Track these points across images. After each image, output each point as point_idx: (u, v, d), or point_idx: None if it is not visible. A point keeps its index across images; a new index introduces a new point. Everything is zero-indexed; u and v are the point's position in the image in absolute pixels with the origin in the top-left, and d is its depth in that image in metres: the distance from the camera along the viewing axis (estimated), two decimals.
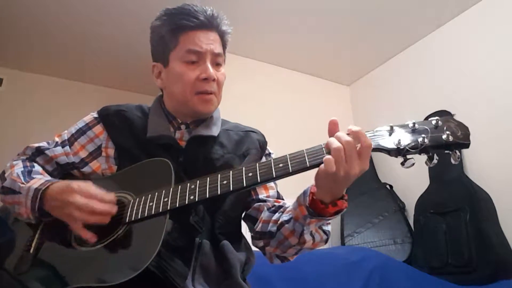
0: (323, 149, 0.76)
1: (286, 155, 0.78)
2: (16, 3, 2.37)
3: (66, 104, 3.11)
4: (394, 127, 0.76)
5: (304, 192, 0.86)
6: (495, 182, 2.13)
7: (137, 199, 0.88)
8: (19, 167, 0.98)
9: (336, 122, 0.78)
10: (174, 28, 1.03)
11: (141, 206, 0.85)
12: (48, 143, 1.08)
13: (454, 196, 2.19)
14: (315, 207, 0.81)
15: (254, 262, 1.03)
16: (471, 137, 0.73)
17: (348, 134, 0.74)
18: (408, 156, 0.74)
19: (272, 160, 0.79)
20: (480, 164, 2.23)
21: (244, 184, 0.79)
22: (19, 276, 0.86)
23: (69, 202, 0.83)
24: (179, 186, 0.84)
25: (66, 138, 1.07)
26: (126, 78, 3.26)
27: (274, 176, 0.77)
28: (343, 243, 2.55)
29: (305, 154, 0.77)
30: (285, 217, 0.93)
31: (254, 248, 1.05)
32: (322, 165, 0.74)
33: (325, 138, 0.77)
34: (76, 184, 0.86)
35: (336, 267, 1.80)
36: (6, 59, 2.96)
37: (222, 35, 1.08)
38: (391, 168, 2.76)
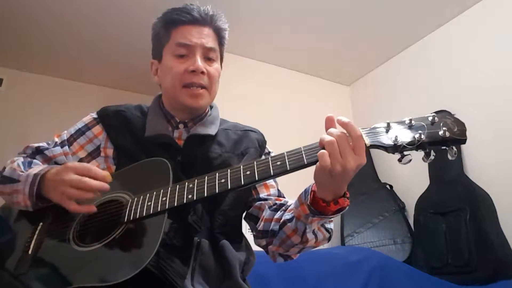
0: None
1: (284, 153, 0.78)
2: (16, 3, 2.37)
3: (66, 104, 3.11)
4: (390, 124, 0.76)
5: (305, 191, 0.86)
6: (495, 182, 2.12)
7: (136, 198, 0.88)
8: (19, 160, 1.00)
9: (332, 118, 0.78)
10: (167, 23, 1.05)
11: (139, 206, 0.85)
12: (47, 143, 1.08)
13: (454, 196, 2.19)
14: (316, 205, 0.81)
15: (254, 262, 1.03)
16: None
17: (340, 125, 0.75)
18: (405, 153, 0.74)
19: (269, 158, 0.79)
20: (480, 164, 2.23)
21: (242, 182, 0.79)
22: (19, 277, 0.86)
23: (63, 180, 0.84)
24: (177, 185, 0.84)
25: (65, 138, 1.08)
26: (126, 78, 3.26)
27: (272, 174, 0.77)
28: (343, 243, 2.55)
29: (303, 152, 0.77)
30: (287, 215, 0.93)
31: (255, 248, 1.05)
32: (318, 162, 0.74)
33: None
34: (72, 163, 0.88)
35: (336, 267, 1.80)
36: (6, 59, 2.96)
37: (217, 31, 1.08)
38: (391, 168, 2.76)
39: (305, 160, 0.76)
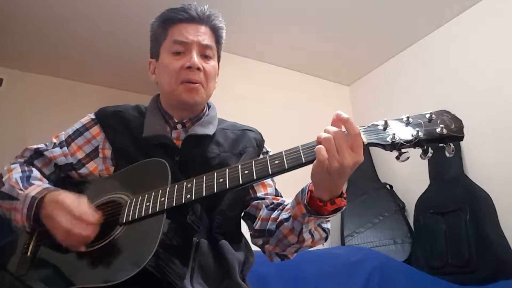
0: None
1: (282, 152, 0.78)
2: (16, 3, 2.37)
3: (66, 104, 3.11)
4: (388, 122, 0.75)
5: (302, 190, 0.85)
6: (495, 182, 2.12)
7: (134, 199, 0.87)
8: (17, 172, 0.98)
9: (340, 117, 0.74)
10: (164, 21, 1.06)
11: (138, 206, 0.85)
12: (45, 144, 1.07)
13: (454, 196, 2.19)
14: (313, 205, 0.81)
15: (253, 262, 1.03)
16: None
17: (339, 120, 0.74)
18: (403, 150, 0.73)
19: (268, 157, 0.79)
20: (480, 164, 2.22)
21: (240, 182, 0.79)
22: (18, 278, 0.86)
23: (56, 221, 0.83)
24: (176, 186, 0.84)
25: (63, 139, 1.07)
26: (126, 78, 3.26)
27: (270, 173, 0.77)
28: (343, 243, 2.54)
29: (301, 150, 0.77)
30: (284, 215, 0.93)
31: (254, 248, 1.05)
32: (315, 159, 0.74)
33: None
34: (68, 200, 0.85)
35: (336, 267, 1.80)
36: (6, 59, 2.96)
37: (214, 30, 1.08)
38: (391, 168, 2.76)
39: (303, 158, 0.76)
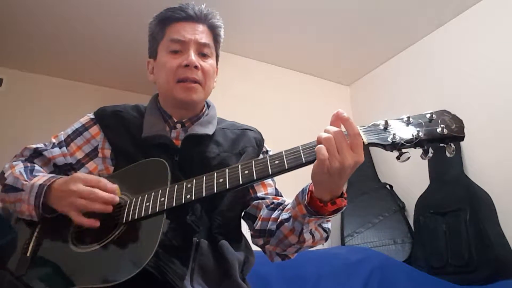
0: None
1: (282, 152, 0.78)
2: (16, 3, 2.37)
3: (66, 104, 3.11)
4: (388, 122, 0.75)
5: (303, 190, 0.85)
6: (495, 182, 2.12)
7: (134, 199, 0.87)
8: (20, 167, 0.98)
9: (340, 116, 0.74)
10: (162, 20, 1.06)
11: (137, 207, 0.85)
12: (45, 144, 1.07)
13: (454, 196, 2.19)
14: (313, 205, 0.81)
15: (253, 262, 1.03)
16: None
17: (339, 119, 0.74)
18: (403, 150, 0.73)
19: (268, 157, 0.79)
20: (480, 164, 2.22)
21: (241, 182, 0.78)
22: (18, 278, 0.85)
23: (72, 190, 0.83)
24: (176, 186, 0.84)
25: (62, 139, 1.07)
26: (126, 78, 3.26)
27: (270, 173, 0.77)
28: (343, 243, 2.54)
29: (301, 150, 0.76)
30: (284, 215, 0.93)
31: (254, 248, 1.05)
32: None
33: None
34: (80, 174, 0.87)
35: (336, 267, 1.80)
36: (6, 59, 2.97)
37: (212, 29, 1.09)
38: (391, 168, 2.76)
39: (303, 158, 0.75)
